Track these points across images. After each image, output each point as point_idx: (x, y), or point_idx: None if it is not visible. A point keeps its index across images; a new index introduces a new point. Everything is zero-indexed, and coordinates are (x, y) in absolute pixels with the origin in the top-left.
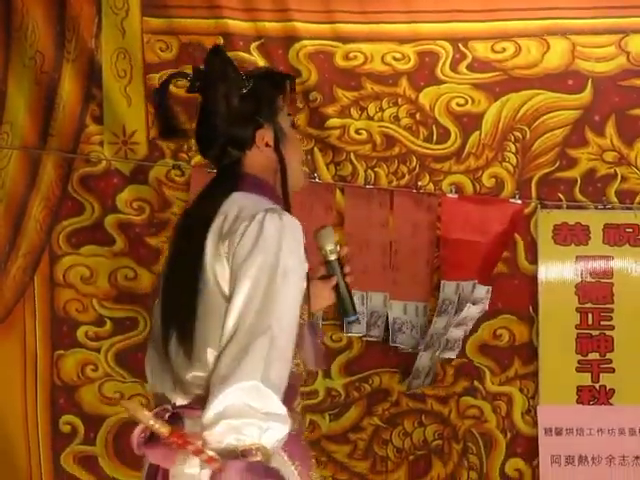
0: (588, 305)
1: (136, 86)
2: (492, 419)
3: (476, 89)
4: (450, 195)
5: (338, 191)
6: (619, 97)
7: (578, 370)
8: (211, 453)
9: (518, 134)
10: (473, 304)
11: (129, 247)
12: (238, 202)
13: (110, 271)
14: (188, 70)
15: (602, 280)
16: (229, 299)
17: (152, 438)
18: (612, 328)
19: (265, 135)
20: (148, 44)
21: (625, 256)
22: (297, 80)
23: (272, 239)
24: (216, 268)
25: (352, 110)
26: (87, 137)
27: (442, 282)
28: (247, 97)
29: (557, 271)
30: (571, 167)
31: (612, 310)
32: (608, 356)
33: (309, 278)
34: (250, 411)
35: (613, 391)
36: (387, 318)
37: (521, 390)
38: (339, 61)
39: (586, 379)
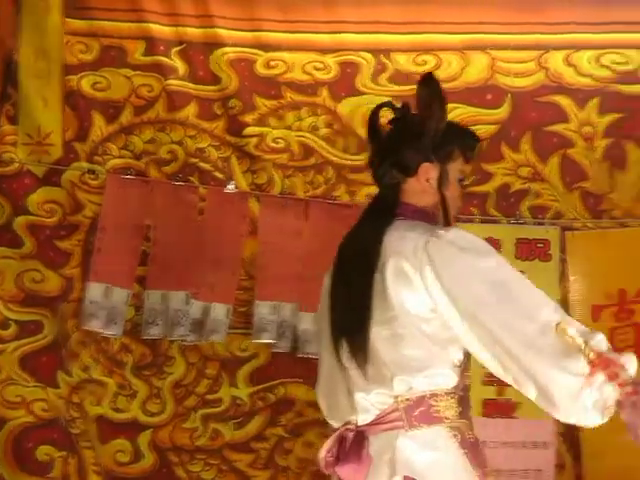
0: None
1: (54, 87)
2: None
3: (396, 101)
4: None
5: (254, 199)
6: (536, 113)
7: (484, 383)
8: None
9: None
10: None
11: (38, 249)
12: (403, 228)
13: (17, 273)
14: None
15: None
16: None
17: (340, 456)
18: None
19: (429, 171)
20: (68, 45)
21: (535, 271)
22: (217, 87)
23: (468, 237)
24: (404, 297)
25: (271, 119)
26: (0, 137)
27: None
28: (435, 132)
29: None
30: (486, 181)
31: None
32: None
33: None
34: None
35: (517, 404)
36: (295, 329)
37: None
38: (260, 69)
39: (491, 392)
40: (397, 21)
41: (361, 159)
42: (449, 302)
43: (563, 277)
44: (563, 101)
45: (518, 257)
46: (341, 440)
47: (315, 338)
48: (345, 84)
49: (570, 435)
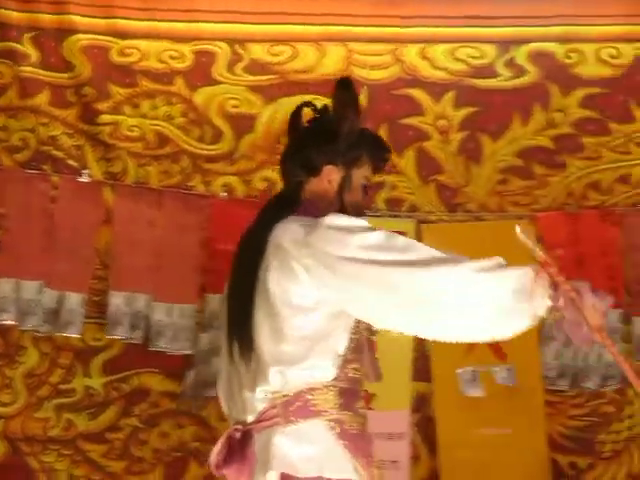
0: None
1: None
2: None
3: (251, 91)
4: (221, 196)
5: (108, 188)
6: (391, 105)
7: None
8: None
9: None
10: None
11: None
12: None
13: None
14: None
15: None
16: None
17: (227, 457)
18: (374, 333)
19: (332, 173)
20: None
21: None
22: (70, 74)
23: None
24: (285, 286)
25: (125, 107)
26: None
27: (207, 295)
28: (344, 136)
29: None
30: None
31: None
32: None
33: None
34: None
35: (372, 396)
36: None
37: None
38: (115, 57)
39: None
40: (253, 11)
41: (217, 149)
42: (337, 286)
43: None
44: (418, 94)
45: None
46: (229, 441)
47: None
48: (201, 73)
49: (425, 426)
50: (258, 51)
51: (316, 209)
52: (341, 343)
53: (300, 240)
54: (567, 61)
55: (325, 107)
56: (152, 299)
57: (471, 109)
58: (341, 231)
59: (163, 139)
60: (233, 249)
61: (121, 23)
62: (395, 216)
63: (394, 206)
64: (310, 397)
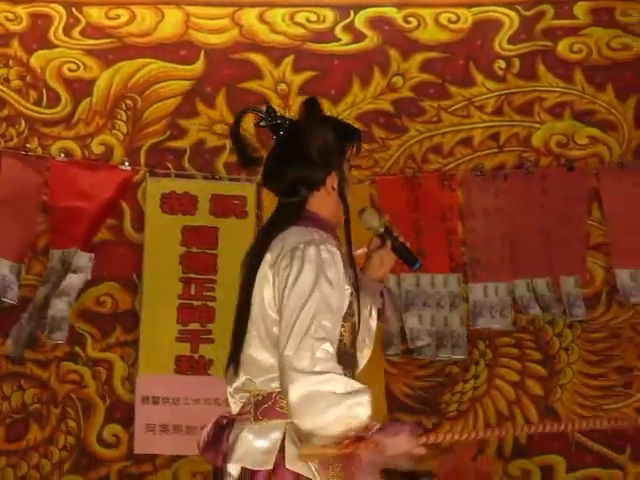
0: (192, 275)
1: None
2: (92, 385)
3: (89, 55)
4: (59, 159)
5: None
6: (230, 70)
7: (178, 340)
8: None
9: (129, 102)
10: (74, 273)
11: None
12: (289, 235)
13: None
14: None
15: (207, 251)
16: (278, 322)
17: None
18: (214, 299)
19: (333, 180)
20: None
21: (232, 227)
22: None
23: (310, 269)
24: (264, 295)
25: None
26: None
27: (51, 252)
28: (326, 145)
29: (163, 240)
30: (181, 137)
31: (215, 281)
32: (208, 326)
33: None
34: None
35: (212, 361)
36: None
37: (122, 357)
38: None
39: (186, 349)
40: None
41: (54, 112)
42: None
43: None
44: (258, 58)
45: (213, 213)
46: (215, 426)
47: None
48: (37, 36)
49: None
50: (95, 14)
51: (322, 217)
52: None
53: (286, 253)
54: (406, 26)
55: (269, 108)
56: None
57: (311, 73)
58: (298, 271)
59: (0, 102)
60: (72, 206)
61: None
62: (235, 179)
63: (234, 170)
64: (279, 400)
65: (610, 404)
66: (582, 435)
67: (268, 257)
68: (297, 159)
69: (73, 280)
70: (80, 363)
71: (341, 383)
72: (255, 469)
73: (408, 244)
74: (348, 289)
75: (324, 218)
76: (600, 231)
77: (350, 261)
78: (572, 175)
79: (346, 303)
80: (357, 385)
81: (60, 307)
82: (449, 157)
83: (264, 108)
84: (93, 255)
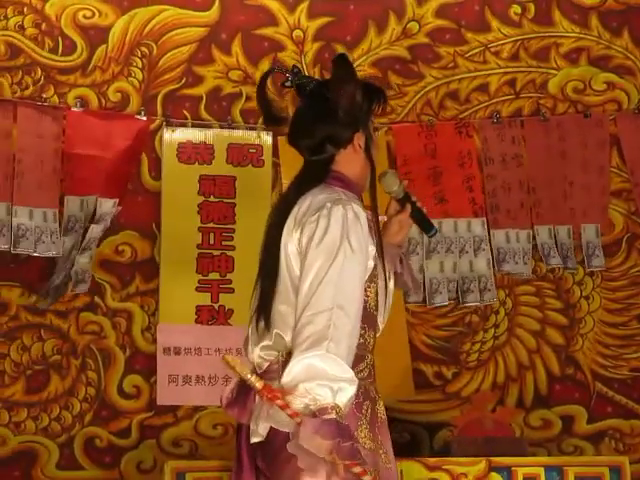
0: (210, 225)
1: None
2: (112, 335)
3: (103, 2)
4: (75, 109)
5: None
6: (245, 16)
7: (198, 290)
8: (295, 408)
9: (145, 49)
10: (96, 223)
11: None
12: (315, 194)
13: None
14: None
15: (225, 200)
16: (299, 279)
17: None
18: (233, 248)
19: (360, 138)
20: None
21: (249, 176)
22: None
23: (336, 228)
24: (289, 251)
25: None
26: None
27: (65, 197)
28: (354, 103)
29: (180, 189)
30: (197, 84)
31: (233, 231)
32: (228, 276)
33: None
34: (321, 374)
35: (232, 311)
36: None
37: (142, 307)
38: None
39: (206, 299)
40: None
41: (70, 60)
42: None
43: (277, 183)
44: (273, 4)
45: (230, 162)
46: (239, 385)
47: None
48: None
49: None
50: None
51: (348, 177)
52: None
53: (312, 212)
54: None
55: (295, 68)
56: (10, 206)
57: (326, 19)
58: (325, 229)
59: (15, 50)
60: (89, 155)
61: None
62: (251, 128)
63: (250, 118)
64: None
65: (631, 353)
66: (603, 385)
67: (295, 212)
68: (325, 117)
69: (94, 232)
70: (100, 313)
71: (338, 367)
72: (285, 430)
73: (425, 210)
74: (372, 250)
75: (350, 179)
76: (620, 177)
77: (376, 224)
78: (589, 121)
79: (371, 264)
80: (348, 374)
81: (83, 261)
82: (466, 104)
83: (289, 68)
84: (117, 200)
